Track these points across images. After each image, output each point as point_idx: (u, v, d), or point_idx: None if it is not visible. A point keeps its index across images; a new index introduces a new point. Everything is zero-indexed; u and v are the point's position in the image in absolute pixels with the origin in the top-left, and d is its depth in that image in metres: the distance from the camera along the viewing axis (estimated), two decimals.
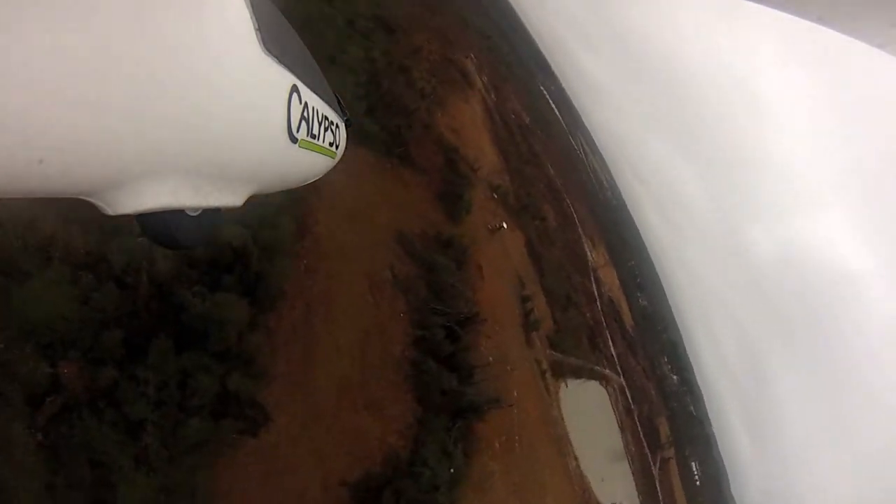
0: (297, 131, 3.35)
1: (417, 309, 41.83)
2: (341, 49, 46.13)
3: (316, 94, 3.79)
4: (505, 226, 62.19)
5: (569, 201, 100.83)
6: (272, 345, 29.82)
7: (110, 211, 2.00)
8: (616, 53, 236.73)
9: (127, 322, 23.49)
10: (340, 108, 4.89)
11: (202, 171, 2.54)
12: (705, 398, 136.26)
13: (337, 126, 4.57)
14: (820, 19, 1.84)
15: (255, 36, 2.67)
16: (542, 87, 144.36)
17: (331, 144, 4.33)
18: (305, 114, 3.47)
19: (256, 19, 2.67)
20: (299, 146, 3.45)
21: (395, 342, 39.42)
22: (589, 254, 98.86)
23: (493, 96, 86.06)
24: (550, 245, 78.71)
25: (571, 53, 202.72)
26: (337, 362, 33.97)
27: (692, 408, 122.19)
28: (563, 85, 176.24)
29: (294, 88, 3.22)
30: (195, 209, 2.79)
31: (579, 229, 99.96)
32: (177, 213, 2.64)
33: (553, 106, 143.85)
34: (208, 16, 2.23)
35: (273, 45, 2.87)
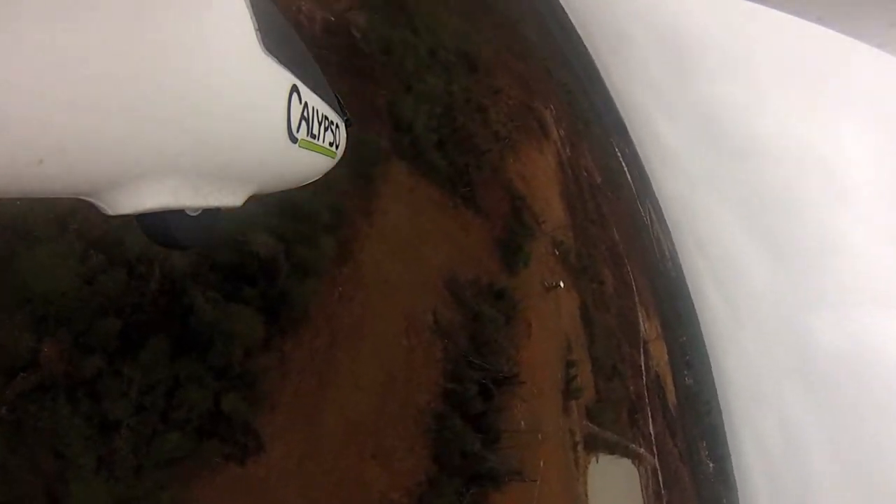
0: (298, 131, 3.24)
1: (454, 360, 38.39)
2: (420, 78, 44.92)
3: (316, 94, 3.63)
4: (562, 285, 58.63)
5: (629, 268, 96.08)
6: (283, 370, 27.02)
7: (110, 211, 1.92)
8: (694, 123, 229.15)
9: (128, 313, 21.54)
10: (340, 108, 4.68)
11: (202, 172, 2.47)
12: (739, 491, 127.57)
13: (337, 126, 4.39)
14: (820, 19, 1.75)
15: (255, 36, 2.58)
16: (616, 149, 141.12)
17: (331, 144, 4.15)
18: (305, 114, 3.35)
19: (256, 19, 2.57)
20: (299, 146, 3.33)
21: (422, 391, 35.88)
22: (642, 325, 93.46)
23: (567, 151, 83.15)
24: (605, 311, 74.38)
25: (650, 118, 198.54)
26: (353, 402, 30.72)
27: (724, 500, 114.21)
28: (638, 149, 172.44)
29: (294, 88, 3.13)
30: (195, 209, 2.71)
31: (636, 298, 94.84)
32: (176, 213, 2.57)
33: (625, 169, 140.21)
34: (208, 16, 2.14)
35: (273, 45, 2.78)
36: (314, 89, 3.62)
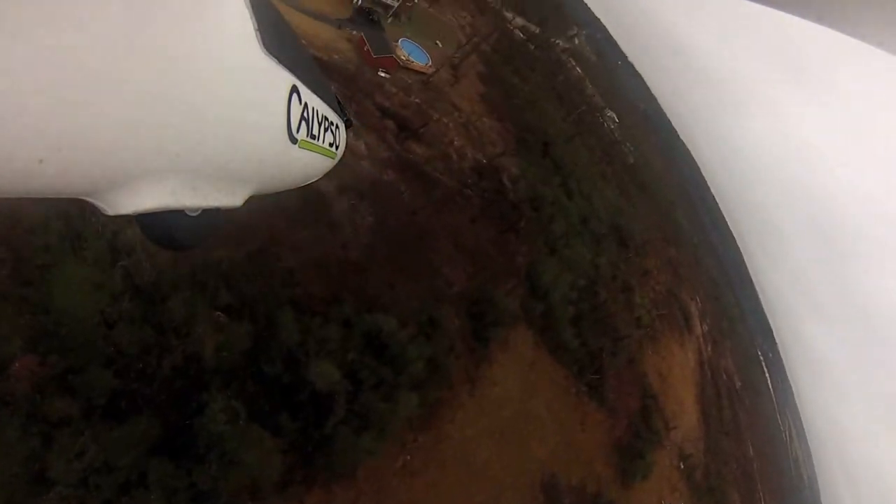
0: (297, 132, 3.06)
1: None
2: (566, 243, 40.97)
3: (316, 94, 3.42)
4: None
5: (761, 493, 78.07)
6: None
7: (110, 211, 1.83)
8: (848, 326, 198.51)
9: (131, 378, 18.54)
10: (340, 109, 4.38)
11: (202, 172, 2.33)
12: None
13: (337, 127, 4.10)
14: (820, 19, 1.74)
15: (254, 36, 2.43)
16: (759, 352, 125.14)
17: (331, 145, 3.89)
18: (305, 114, 3.16)
19: (256, 20, 2.44)
20: (299, 146, 3.15)
21: None
22: None
23: (709, 349, 72.23)
24: None
25: (797, 318, 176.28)
26: None
27: None
28: (782, 354, 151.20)
29: (294, 89, 2.95)
30: (195, 209, 2.57)
31: None
32: (176, 214, 2.45)
33: (767, 375, 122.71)
34: (208, 16, 2.06)
35: (273, 45, 2.61)
36: (314, 90, 3.36)
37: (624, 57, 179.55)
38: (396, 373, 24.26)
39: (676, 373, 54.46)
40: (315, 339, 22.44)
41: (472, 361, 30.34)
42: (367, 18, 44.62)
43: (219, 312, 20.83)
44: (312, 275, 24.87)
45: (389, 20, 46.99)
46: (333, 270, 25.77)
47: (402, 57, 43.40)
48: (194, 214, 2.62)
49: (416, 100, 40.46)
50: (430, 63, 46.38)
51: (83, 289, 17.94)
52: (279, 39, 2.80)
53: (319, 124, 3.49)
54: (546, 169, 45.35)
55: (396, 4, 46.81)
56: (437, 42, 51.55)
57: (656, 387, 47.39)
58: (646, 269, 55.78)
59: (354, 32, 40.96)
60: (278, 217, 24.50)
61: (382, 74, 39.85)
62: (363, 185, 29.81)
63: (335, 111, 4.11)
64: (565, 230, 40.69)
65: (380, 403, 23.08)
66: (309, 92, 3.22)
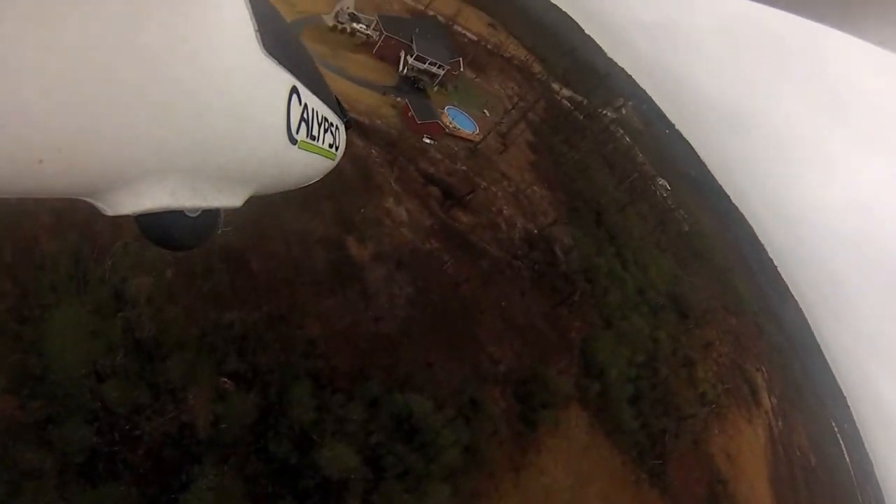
0: (297, 133, 2.90)
1: None
2: (623, 315, 37.70)
3: (316, 95, 3.24)
4: None
5: None
6: None
7: (110, 211, 1.78)
8: None
9: (115, 439, 16.61)
10: (340, 110, 4.08)
11: (201, 172, 2.28)
12: None
13: (337, 128, 3.86)
14: (820, 19, 1.59)
15: (254, 37, 2.33)
16: (833, 423, 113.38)
17: (330, 146, 3.68)
18: (305, 115, 3.00)
19: (256, 20, 2.34)
20: (299, 147, 2.99)
21: None
22: None
23: (779, 423, 64.32)
24: None
25: (872, 385, 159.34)
26: None
27: None
28: (858, 424, 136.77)
29: (294, 90, 2.79)
30: (194, 210, 2.50)
31: None
32: (175, 214, 2.41)
33: (843, 448, 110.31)
34: (207, 16, 1.99)
35: (273, 46, 2.48)
36: (314, 90, 3.18)
37: (671, 125, 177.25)
38: (427, 460, 21.40)
39: (746, 452, 48.01)
40: (333, 418, 20.06)
41: (517, 447, 26.94)
42: (412, 87, 44.46)
43: (225, 379, 19.11)
44: (338, 347, 22.62)
45: (435, 88, 46.74)
46: (363, 344, 23.46)
47: (448, 124, 42.53)
48: (194, 215, 2.49)
49: (463, 167, 39.01)
50: (478, 131, 45.37)
51: (79, 335, 16.78)
52: (279, 40, 2.60)
53: (319, 125, 3.28)
54: (599, 239, 42.82)
55: (442, 73, 46.71)
56: (485, 111, 50.81)
57: (725, 470, 41.61)
58: (707, 341, 50.82)
59: (399, 99, 40.51)
60: (304, 281, 22.78)
61: (427, 141, 38.82)
62: (402, 253, 27.87)
63: (335, 112, 3.84)
64: (621, 302, 37.66)
65: (403, 494, 20.23)
66: (309, 93, 3.00)
